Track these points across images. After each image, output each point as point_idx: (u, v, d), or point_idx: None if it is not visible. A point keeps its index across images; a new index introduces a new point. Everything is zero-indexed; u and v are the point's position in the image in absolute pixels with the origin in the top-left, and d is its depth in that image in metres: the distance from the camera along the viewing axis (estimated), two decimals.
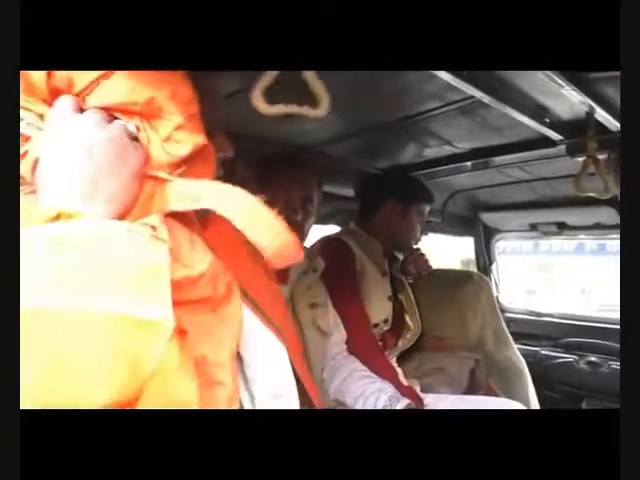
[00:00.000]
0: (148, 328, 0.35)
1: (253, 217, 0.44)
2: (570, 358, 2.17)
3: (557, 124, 1.21)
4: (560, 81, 0.91)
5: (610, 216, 1.92)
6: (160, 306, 0.36)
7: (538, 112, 1.14)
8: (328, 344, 1.25)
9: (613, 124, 1.14)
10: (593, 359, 2.11)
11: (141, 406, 0.36)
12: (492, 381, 1.46)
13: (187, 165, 0.50)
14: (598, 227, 2.06)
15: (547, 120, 1.18)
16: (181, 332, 0.39)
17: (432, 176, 1.74)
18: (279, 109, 0.69)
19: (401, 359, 1.46)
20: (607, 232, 2.08)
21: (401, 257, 1.60)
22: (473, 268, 2.43)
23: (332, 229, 1.65)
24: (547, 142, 1.30)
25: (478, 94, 0.97)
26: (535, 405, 1.52)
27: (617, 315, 2.30)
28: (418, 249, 1.65)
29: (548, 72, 0.87)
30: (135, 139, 0.46)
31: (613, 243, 2.47)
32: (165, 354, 0.35)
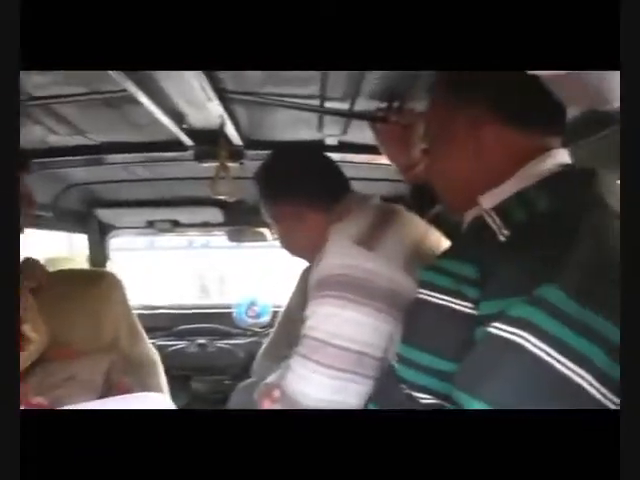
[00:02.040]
0: None
1: None
2: (182, 344, 2.39)
3: (191, 131, 1.32)
4: (209, 93, 1.02)
5: (215, 215, 2.22)
6: None
7: (179, 117, 1.22)
8: None
9: (237, 138, 1.35)
10: (202, 341, 2.39)
11: None
12: (128, 378, 1.45)
13: None
14: (205, 225, 2.33)
15: (184, 126, 1.27)
16: None
17: (47, 166, 1.57)
18: None
19: (25, 375, 1.26)
20: (212, 229, 2.38)
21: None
22: (86, 265, 2.31)
23: None
24: (179, 146, 1.40)
25: (132, 89, 0.96)
26: (167, 392, 1.60)
27: (225, 300, 2.68)
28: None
29: (202, 84, 0.96)
30: None
31: (217, 239, 2.85)
32: None
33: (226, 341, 2.39)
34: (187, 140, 1.34)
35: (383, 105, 1.10)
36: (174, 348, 2.36)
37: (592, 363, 0.46)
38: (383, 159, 1.23)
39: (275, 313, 2.39)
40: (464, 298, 0.58)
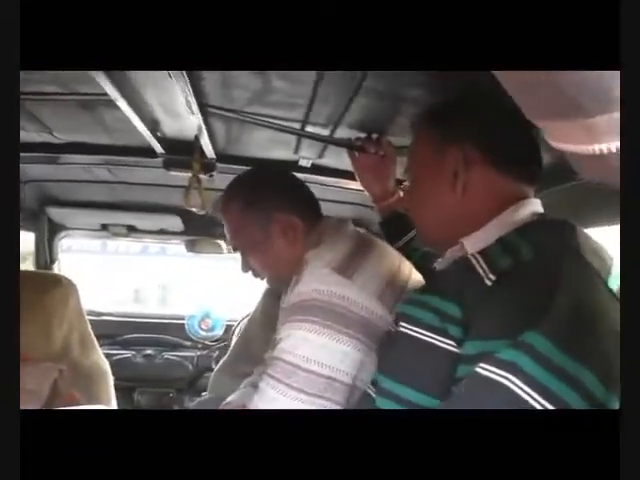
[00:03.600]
0: None
1: None
2: (128, 354, 2.30)
3: (165, 139, 1.29)
4: (193, 107, 1.01)
5: (175, 224, 2.17)
6: None
7: (153, 125, 1.20)
8: None
9: (211, 151, 1.34)
10: (149, 352, 2.31)
11: None
12: (76, 388, 1.39)
13: None
14: (162, 232, 2.28)
15: (158, 134, 1.25)
16: None
17: None
18: None
19: None
20: (169, 237, 2.33)
21: None
22: (31, 265, 2.20)
23: None
24: (149, 152, 1.37)
25: (113, 93, 0.94)
26: (115, 405, 1.54)
27: (177, 310, 2.60)
28: None
29: (188, 97, 0.96)
30: None
31: (173, 247, 2.78)
32: None
33: (174, 353, 2.33)
34: (158, 148, 1.32)
35: (362, 135, 1.14)
36: (119, 357, 2.28)
37: (569, 407, 0.49)
38: (354, 184, 1.26)
39: (228, 327, 2.36)
40: (448, 336, 0.60)
